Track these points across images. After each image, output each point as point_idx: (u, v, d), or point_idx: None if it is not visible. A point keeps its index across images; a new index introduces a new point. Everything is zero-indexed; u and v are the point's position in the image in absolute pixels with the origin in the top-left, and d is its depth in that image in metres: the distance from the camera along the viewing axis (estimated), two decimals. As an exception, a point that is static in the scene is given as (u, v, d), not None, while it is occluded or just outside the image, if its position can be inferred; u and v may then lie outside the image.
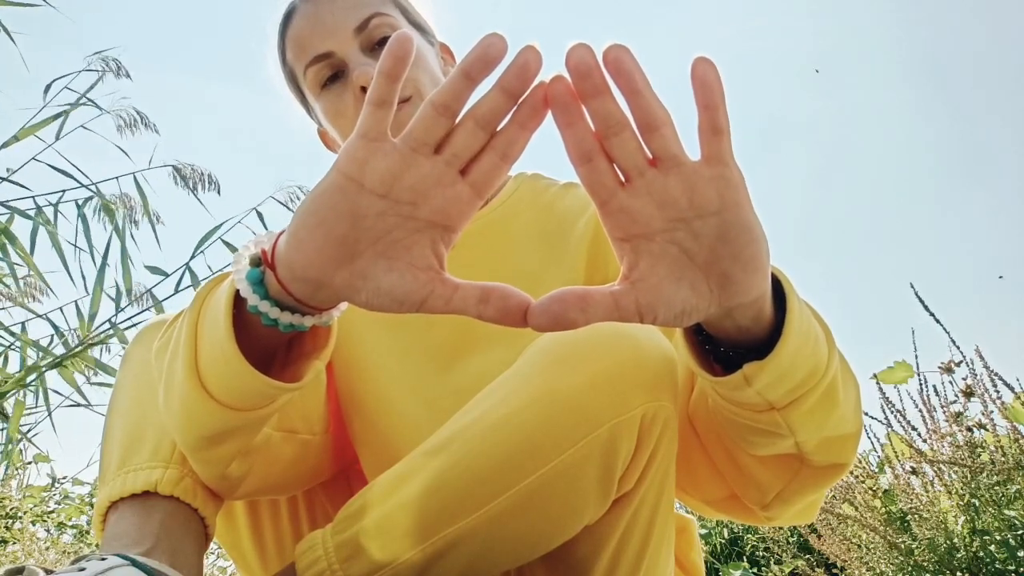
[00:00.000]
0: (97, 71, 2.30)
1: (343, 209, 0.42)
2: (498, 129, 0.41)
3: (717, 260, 0.42)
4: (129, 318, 2.25)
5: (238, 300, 0.49)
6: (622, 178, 0.41)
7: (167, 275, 2.29)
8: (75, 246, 2.20)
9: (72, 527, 2.69)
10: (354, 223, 0.42)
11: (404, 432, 0.70)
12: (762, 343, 0.47)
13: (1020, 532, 1.22)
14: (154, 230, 2.38)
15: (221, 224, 2.34)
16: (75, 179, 2.22)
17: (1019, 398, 1.34)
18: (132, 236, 2.32)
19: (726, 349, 0.49)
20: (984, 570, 1.24)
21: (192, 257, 2.30)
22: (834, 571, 1.64)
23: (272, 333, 0.49)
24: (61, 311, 2.22)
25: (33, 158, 2.16)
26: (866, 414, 1.53)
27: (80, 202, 2.22)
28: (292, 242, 0.44)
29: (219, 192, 2.50)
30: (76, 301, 2.21)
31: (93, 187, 2.24)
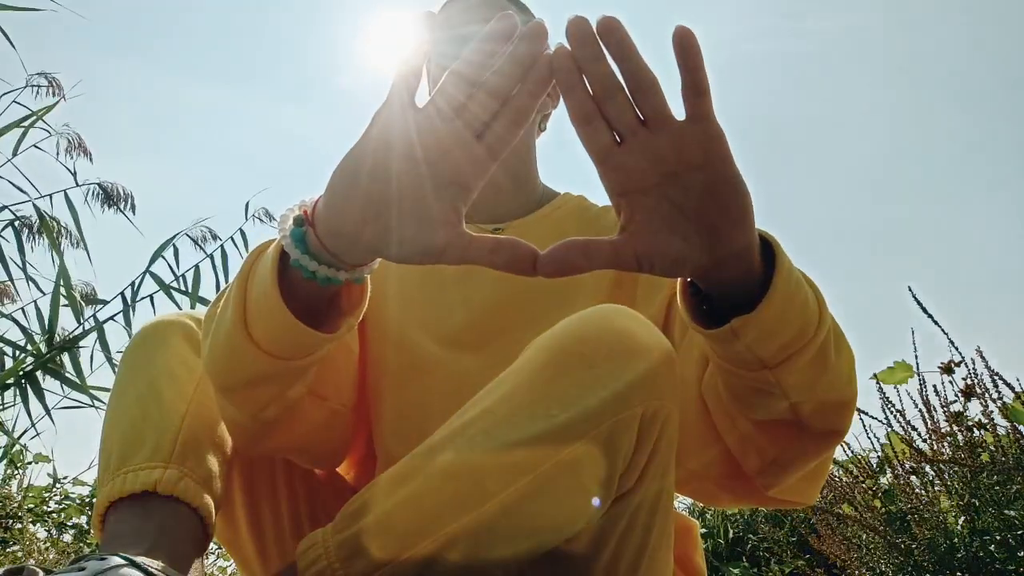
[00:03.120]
0: (38, 86, 2.39)
1: (372, 169, 0.47)
2: (511, 96, 0.46)
3: (706, 212, 0.46)
4: (84, 332, 2.28)
5: (283, 264, 0.54)
6: (618, 139, 0.46)
7: (106, 303, 2.38)
8: (18, 265, 2.24)
9: (72, 527, 2.69)
10: (382, 182, 0.46)
11: (433, 398, 0.74)
12: (753, 303, 0.50)
13: (1020, 532, 1.22)
14: (87, 251, 2.45)
15: (155, 257, 2.41)
16: (26, 193, 2.28)
17: (1019, 398, 1.34)
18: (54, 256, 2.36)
19: (720, 307, 0.53)
20: (984, 570, 1.24)
21: (127, 288, 2.36)
22: (834, 571, 1.64)
23: (312, 289, 0.53)
24: (23, 311, 2.26)
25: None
26: (866, 414, 1.53)
27: (16, 216, 2.28)
28: (327, 201, 0.49)
29: (134, 211, 2.57)
30: (35, 301, 2.27)
31: (34, 203, 2.31)
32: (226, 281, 2.41)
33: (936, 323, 1.40)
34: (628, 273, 0.78)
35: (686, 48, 0.42)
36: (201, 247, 2.52)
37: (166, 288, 2.37)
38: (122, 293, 2.37)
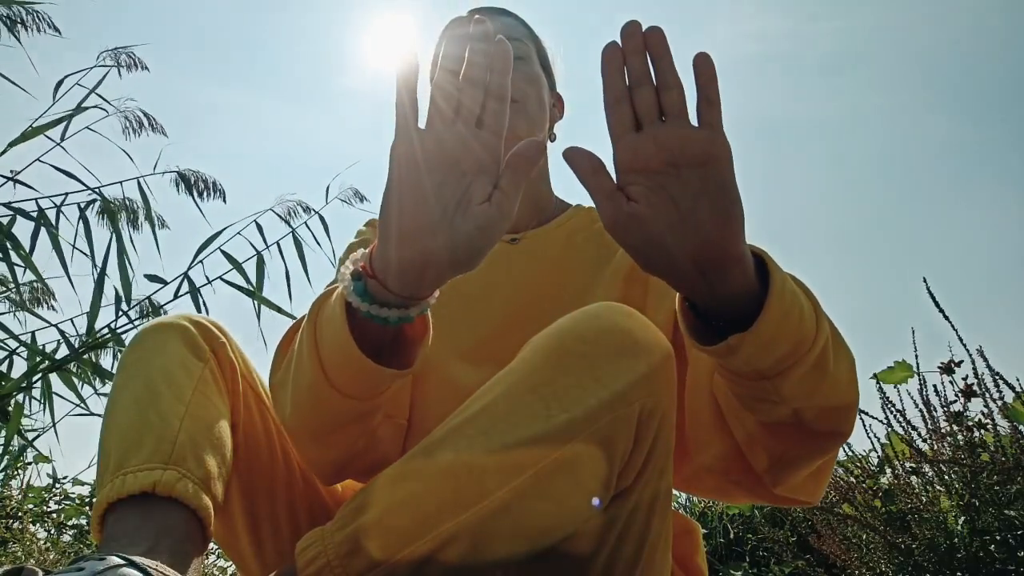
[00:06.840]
0: (107, 66, 2.20)
1: (412, 194, 0.53)
2: (489, 82, 0.54)
3: (697, 211, 0.52)
4: (130, 322, 2.16)
5: (350, 313, 0.58)
6: (637, 126, 0.53)
7: (165, 283, 2.22)
8: (76, 248, 2.08)
9: (72, 527, 2.69)
10: (425, 198, 0.53)
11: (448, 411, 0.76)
12: (750, 318, 0.53)
13: (1020, 532, 1.22)
14: (155, 235, 2.29)
15: (220, 232, 2.25)
16: (81, 181, 2.13)
17: (1020, 397, 1.34)
18: (131, 240, 2.21)
19: (717, 322, 0.56)
20: (984, 570, 1.24)
21: (190, 267, 2.21)
22: (834, 571, 1.63)
23: (383, 330, 0.59)
24: (72, 322, 2.15)
25: (38, 159, 2.08)
26: (866, 414, 1.52)
27: (82, 205, 2.13)
28: (383, 248, 0.55)
29: (224, 200, 2.41)
30: (86, 313, 2.11)
31: (97, 191, 2.16)
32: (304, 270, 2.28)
33: (946, 317, 1.39)
34: (637, 281, 0.82)
35: (703, 67, 0.52)
36: (287, 222, 2.34)
37: (238, 266, 2.20)
38: (186, 274, 2.20)
